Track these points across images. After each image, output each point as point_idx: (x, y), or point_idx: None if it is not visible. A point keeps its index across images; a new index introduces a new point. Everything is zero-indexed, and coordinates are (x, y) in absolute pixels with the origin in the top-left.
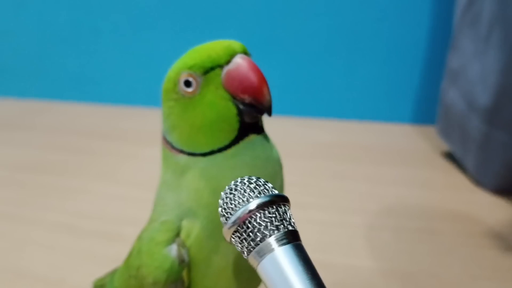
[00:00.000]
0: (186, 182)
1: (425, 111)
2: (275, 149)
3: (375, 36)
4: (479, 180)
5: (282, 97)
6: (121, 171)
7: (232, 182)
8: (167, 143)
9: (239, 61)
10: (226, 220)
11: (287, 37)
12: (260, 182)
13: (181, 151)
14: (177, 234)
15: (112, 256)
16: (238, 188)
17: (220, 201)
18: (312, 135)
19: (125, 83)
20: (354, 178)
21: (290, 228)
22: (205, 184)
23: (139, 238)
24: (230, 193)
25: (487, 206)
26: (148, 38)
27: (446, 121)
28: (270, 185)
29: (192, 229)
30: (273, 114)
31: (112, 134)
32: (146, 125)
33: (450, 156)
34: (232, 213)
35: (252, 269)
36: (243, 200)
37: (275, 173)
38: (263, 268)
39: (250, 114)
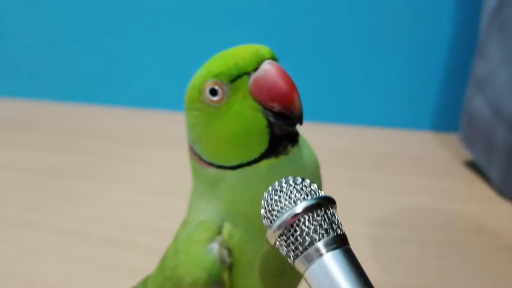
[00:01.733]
0: (220, 193)
1: (447, 118)
2: (312, 151)
3: (396, 41)
4: (504, 191)
5: None
6: (134, 176)
7: (276, 183)
8: (194, 154)
9: (268, 67)
10: (271, 222)
11: (305, 41)
12: (306, 183)
13: (210, 164)
14: (218, 233)
15: (127, 266)
16: (284, 190)
17: (263, 202)
18: (330, 141)
19: (138, 86)
20: (373, 187)
21: (339, 232)
22: (241, 197)
23: (175, 238)
24: (275, 194)
25: None
26: (160, 40)
27: (470, 129)
28: (315, 185)
29: (234, 231)
30: None
31: (124, 137)
32: (159, 128)
33: (473, 166)
34: (277, 215)
35: (294, 269)
36: (289, 202)
37: (313, 175)
38: (312, 274)
39: (281, 127)
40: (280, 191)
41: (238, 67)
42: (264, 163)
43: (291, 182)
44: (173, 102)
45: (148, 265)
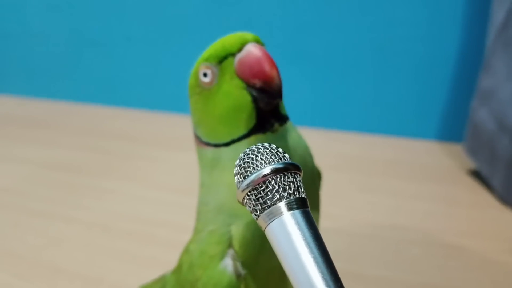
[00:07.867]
0: (219, 177)
1: (452, 128)
2: (303, 139)
3: (405, 54)
4: (505, 199)
5: (310, 109)
6: (151, 174)
7: (254, 146)
8: (196, 138)
9: (250, 48)
10: (244, 179)
11: (316, 49)
12: (280, 150)
13: (208, 144)
14: (229, 245)
15: (148, 257)
16: (261, 151)
17: (238, 161)
18: (338, 148)
19: (154, 89)
20: (380, 192)
21: (302, 195)
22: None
23: (187, 251)
24: (252, 154)
25: None
26: (177, 46)
27: (474, 140)
28: (287, 155)
29: (238, 231)
30: (301, 125)
31: (141, 138)
32: (174, 130)
33: (476, 174)
34: (250, 174)
35: None
36: (263, 163)
37: (304, 161)
38: (271, 230)
39: (264, 101)
40: (257, 152)
41: (224, 49)
42: (253, 138)
43: (267, 146)
44: (186, 106)
45: (165, 257)
